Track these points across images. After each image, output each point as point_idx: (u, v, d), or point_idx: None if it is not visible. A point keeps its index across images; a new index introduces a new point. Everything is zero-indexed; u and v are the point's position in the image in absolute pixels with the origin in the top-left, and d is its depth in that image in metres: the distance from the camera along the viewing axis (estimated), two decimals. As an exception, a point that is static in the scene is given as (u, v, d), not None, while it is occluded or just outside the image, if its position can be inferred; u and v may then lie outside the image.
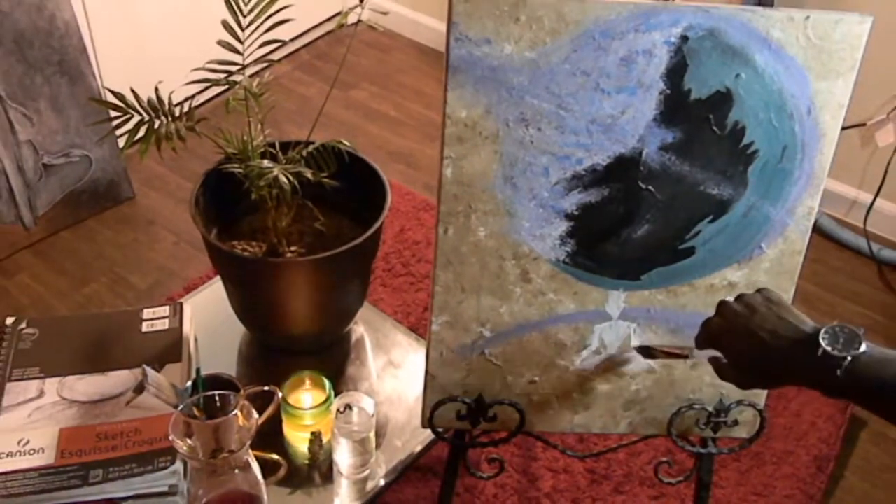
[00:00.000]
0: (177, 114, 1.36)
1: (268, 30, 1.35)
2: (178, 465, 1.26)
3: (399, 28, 2.85)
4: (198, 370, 1.32)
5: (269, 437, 1.38)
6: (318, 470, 1.42)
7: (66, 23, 1.91)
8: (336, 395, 1.41)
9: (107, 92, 1.46)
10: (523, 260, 1.15)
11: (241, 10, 1.33)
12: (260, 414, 1.21)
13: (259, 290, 1.49)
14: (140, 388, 1.30)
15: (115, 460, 1.27)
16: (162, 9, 2.25)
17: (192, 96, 1.40)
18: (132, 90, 1.34)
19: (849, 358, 0.85)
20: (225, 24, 1.34)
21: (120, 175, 2.16)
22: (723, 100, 1.07)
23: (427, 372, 1.21)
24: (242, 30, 1.34)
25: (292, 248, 1.50)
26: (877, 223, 2.19)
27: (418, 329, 1.77)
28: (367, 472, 1.42)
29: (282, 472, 1.38)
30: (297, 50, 2.74)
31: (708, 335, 1.01)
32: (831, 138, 1.11)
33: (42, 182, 2.01)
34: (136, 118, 1.34)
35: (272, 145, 1.47)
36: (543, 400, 1.25)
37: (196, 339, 1.54)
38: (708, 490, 1.36)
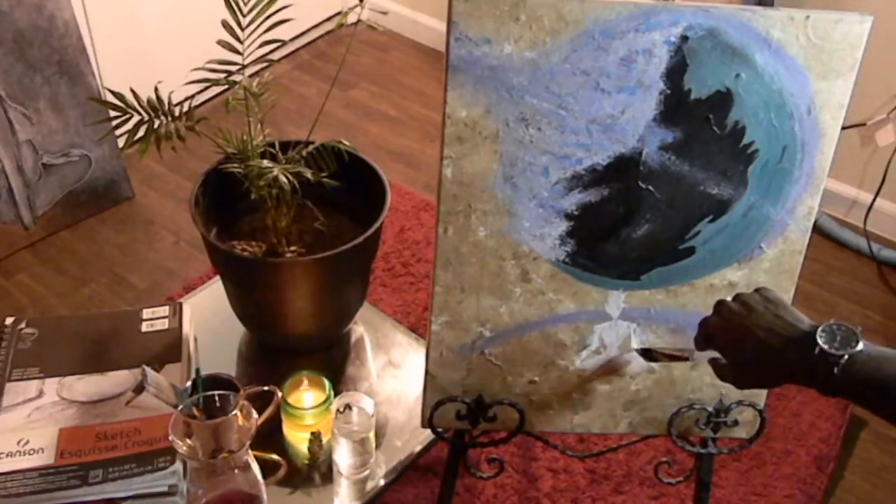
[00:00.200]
0: (176, 113, 1.36)
1: (267, 29, 1.35)
2: (178, 466, 1.26)
3: (399, 28, 2.85)
4: (197, 370, 1.32)
5: (269, 437, 1.38)
6: (318, 470, 1.42)
7: (65, 22, 1.91)
8: (336, 395, 1.41)
9: (106, 92, 1.46)
10: (523, 260, 1.15)
11: (240, 10, 1.33)
12: (260, 414, 1.21)
13: (259, 290, 1.48)
14: (140, 388, 1.30)
15: (115, 460, 1.27)
16: (162, 9, 2.24)
17: (192, 96, 1.40)
18: (132, 90, 1.34)
19: (846, 356, 0.85)
20: (225, 24, 1.34)
21: (119, 175, 2.15)
22: (723, 99, 1.07)
23: (427, 372, 1.21)
24: (242, 29, 1.34)
25: (292, 248, 1.50)
26: (877, 223, 2.19)
27: (418, 329, 1.77)
28: (366, 472, 1.42)
29: (281, 473, 1.38)
30: (296, 50, 2.73)
31: (705, 334, 1.02)
32: (831, 138, 1.11)
33: (41, 182, 2.01)
34: (136, 118, 1.34)
35: (272, 145, 1.46)
36: (543, 400, 1.25)
37: (196, 339, 1.54)
38: (708, 490, 1.36)
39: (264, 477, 1.22)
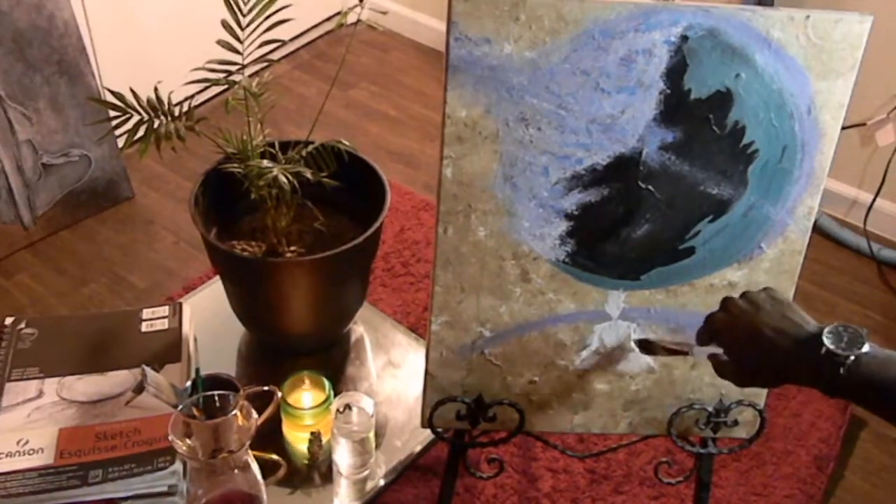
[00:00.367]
0: (176, 113, 1.36)
1: (267, 29, 1.35)
2: (178, 466, 1.26)
3: (399, 28, 2.85)
4: (197, 370, 1.32)
5: (269, 437, 1.38)
6: (318, 470, 1.42)
7: (65, 22, 1.91)
8: (336, 395, 1.41)
9: (106, 92, 1.46)
10: (523, 260, 1.15)
11: (240, 10, 1.33)
12: (259, 414, 1.21)
13: (258, 290, 1.48)
14: (139, 388, 1.30)
15: (115, 460, 1.27)
16: (161, 8, 2.24)
17: (192, 96, 1.40)
18: (131, 90, 1.34)
19: (851, 357, 0.85)
20: (224, 24, 1.34)
21: (119, 175, 2.15)
22: (723, 99, 1.07)
23: (427, 372, 1.21)
24: (242, 29, 1.34)
25: (292, 248, 1.50)
26: (877, 223, 2.19)
27: (418, 329, 1.77)
28: (366, 472, 1.42)
29: (281, 473, 1.38)
30: (296, 49, 2.73)
31: (711, 330, 1.01)
32: (831, 138, 1.11)
33: (41, 182, 2.01)
34: (136, 118, 1.34)
35: (272, 145, 1.46)
36: (543, 400, 1.25)
37: (195, 339, 1.54)
38: (708, 490, 1.36)
39: (264, 477, 1.22)
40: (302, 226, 1.52)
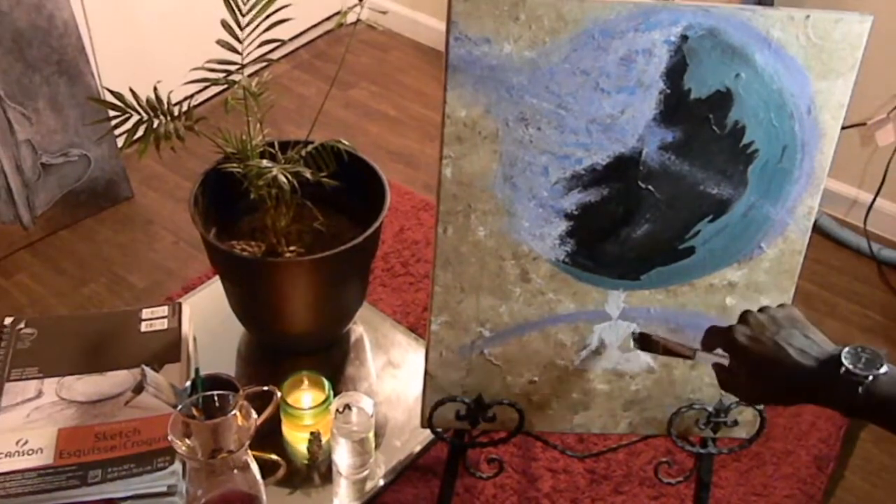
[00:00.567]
0: (175, 113, 1.36)
1: (266, 29, 1.35)
2: (177, 466, 1.26)
3: (398, 27, 2.85)
4: (197, 370, 1.32)
5: (268, 437, 1.38)
6: (318, 470, 1.42)
7: (64, 22, 1.91)
8: (335, 395, 1.41)
9: (105, 91, 1.46)
10: (523, 260, 1.15)
11: (239, 10, 1.33)
12: (259, 414, 1.21)
13: (258, 290, 1.48)
14: (139, 388, 1.30)
15: (114, 460, 1.26)
16: (161, 8, 2.24)
17: (191, 96, 1.40)
18: (131, 90, 1.34)
19: (870, 377, 0.86)
20: (224, 24, 1.34)
21: (119, 175, 2.15)
22: (723, 99, 1.07)
23: (426, 372, 1.21)
24: (241, 29, 1.34)
25: (291, 248, 1.50)
26: (877, 223, 2.19)
27: (417, 329, 1.77)
28: (366, 473, 1.42)
29: (281, 473, 1.38)
30: (296, 49, 2.73)
31: (729, 341, 0.99)
32: (831, 138, 1.10)
33: (40, 181, 2.01)
34: (135, 118, 1.34)
35: (271, 145, 1.46)
36: (543, 400, 1.24)
37: (195, 339, 1.53)
38: (708, 490, 1.36)
39: (263, 477, 1.22)
40: (301, 226, 1.52)
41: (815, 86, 1.07)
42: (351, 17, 1.47)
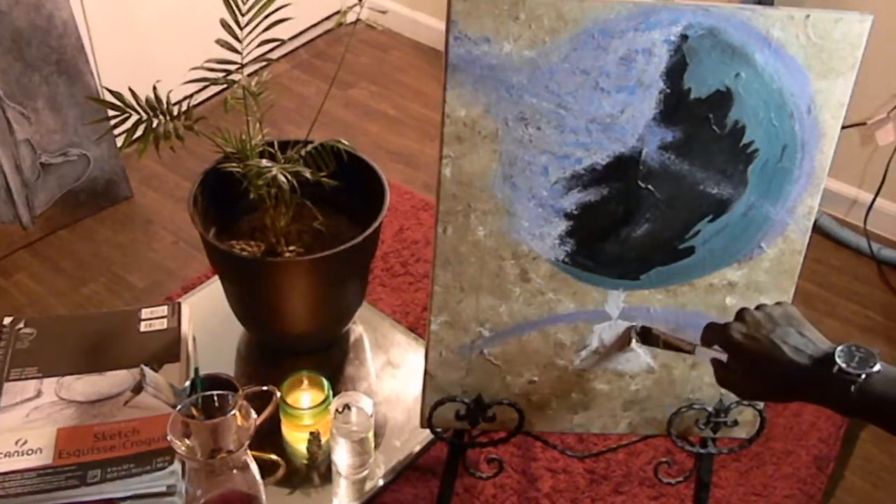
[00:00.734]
0: (175, 113, 1.35)
1: (266, 29, 1.35)
2: (177, 466, 1.26)
3: (398, 27, 2.85)
4: (196, 370, 1.32)
5: (268, 437, 1.38)
6: (317, 470, 1.42)
7: (64, 22, 1.91)
8: (335, 394, 1.41)
9: (105, 91, 1.46)
10: (522, 259, 1.15)
11: (239, 9, 1.33)
12: (258, 414, 1.21)
13: (257, 290, 1.48)
14: (138, 388, 1.30)
15: (114, 460, 1.26)
16: (160, 8, 2.24)
17: (191, 95, 1.40)
18: (130, 89, 1.33)
19: (863, 376, 0.86)
20: (223, 23, 1.34)
21: (118, 174, 2.15)
22: (722, 99, 1.07)
23: (426, 372, 1.21)
24: (241, 29, 1.34)
25: (291, 248, 1.50)
26: (877, 222, 2.19)
27: (417, 329, 1.77)
28: (365, 473, 1.42)
29: (280, 473, 1.38)
30: (295, 49, 2.73)
31: (726, 338, 0.99)
32: (831, 137, 1.10)
33: (40, 181, 2.01)
34: (135, 117, 1.34)
35: (271, 144, 1.46)
36: (543, 400, 1.24)
37: (194, 339, 1.53)
38: (708, 490, 1.36)
39: (263, 477, 1.22)
40: (301, 225, 1.52)
41: (815, 85, 1.07)
42: (351, 17, 1.47)
